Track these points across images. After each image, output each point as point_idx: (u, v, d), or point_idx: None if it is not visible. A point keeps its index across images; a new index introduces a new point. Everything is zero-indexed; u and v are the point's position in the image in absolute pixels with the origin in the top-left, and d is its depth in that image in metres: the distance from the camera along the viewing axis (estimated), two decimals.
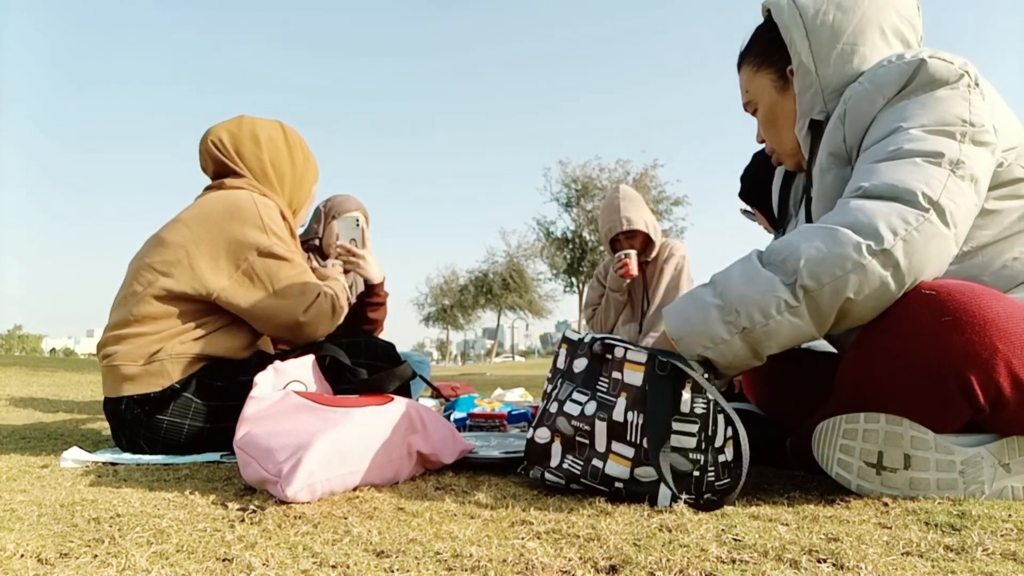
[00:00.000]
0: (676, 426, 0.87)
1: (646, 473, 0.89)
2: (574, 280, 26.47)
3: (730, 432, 0.89)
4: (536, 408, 1.50)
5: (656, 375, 0.89)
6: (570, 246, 26.08)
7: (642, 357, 0.92)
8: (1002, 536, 0.68)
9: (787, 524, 0.75)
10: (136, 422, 1.34)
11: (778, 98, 1.17)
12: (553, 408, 1.00)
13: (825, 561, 0.61)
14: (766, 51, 1.17)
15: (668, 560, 0.61)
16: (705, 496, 0.87)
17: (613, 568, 0.60)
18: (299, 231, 1.70)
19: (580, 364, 1.02)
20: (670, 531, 0.73)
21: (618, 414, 0.91)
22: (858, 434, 0.87)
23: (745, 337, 0.89)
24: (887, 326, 0.88)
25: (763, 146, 1.29)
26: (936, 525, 0.73)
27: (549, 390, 1.04)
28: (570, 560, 0.62)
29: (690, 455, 0.87)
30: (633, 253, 2.64)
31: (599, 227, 2.83)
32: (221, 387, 1.36)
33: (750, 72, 1.21)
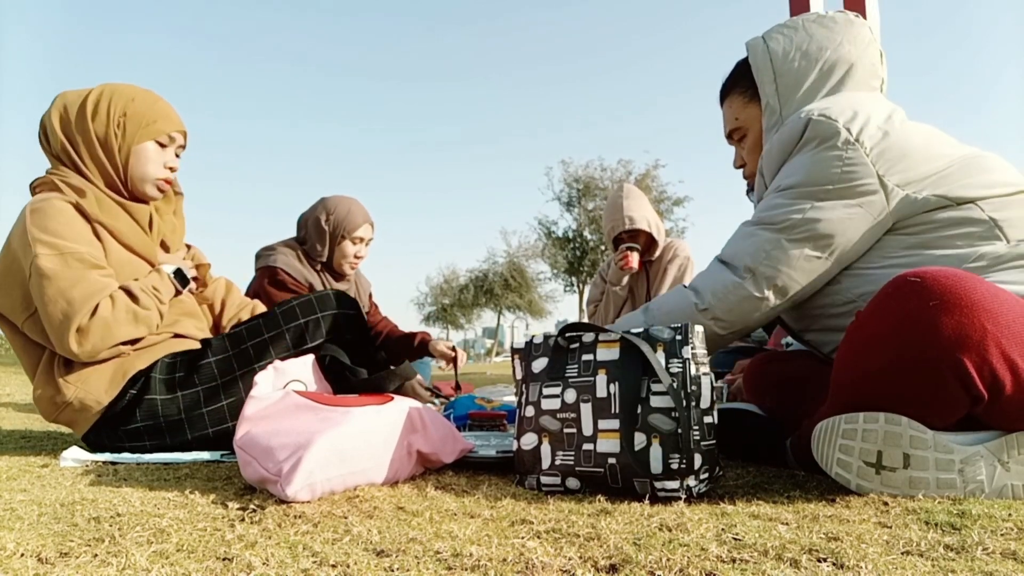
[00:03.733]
0: (654, 387, 0.92)
1: (636, 441, 0.91)
2: (574, 280, 26.47)
3: (716, 397, 0.95)
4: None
5: (629, 345, 0.96)
6: (571, 246, 26.08)
7: (615, 336, 0.99)
8: (1002, 535, 0.68)
9: (787, 523, 0.75)
10: (113, 437, 1.33)
11: None
12: (530, 412, 1.01)
13: (825, 560, 0.61)
14: (755, 84, 1.27)
15: (668, 559, 0.61)
16: (698, 467, 0.88)
17: (613, 567, 0.60)
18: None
19: (540, 364, 1.04)
20: (670, 530, 0.73)
21: (601, 390, 0.95)
22: (857, 434, 0.87)
23: None
24: (876, 316, 0.90)
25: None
26: (936, 524, 0.72)
27: (520, 400, 1.05)
28: (570, 559, 0.62)
29: (671, 413, 0.90)
30: (636, 248, 2.66)
31: (603, 226, 2.84)
32: (183, 377, 1.34)
33: (741, 102, 1.31)
